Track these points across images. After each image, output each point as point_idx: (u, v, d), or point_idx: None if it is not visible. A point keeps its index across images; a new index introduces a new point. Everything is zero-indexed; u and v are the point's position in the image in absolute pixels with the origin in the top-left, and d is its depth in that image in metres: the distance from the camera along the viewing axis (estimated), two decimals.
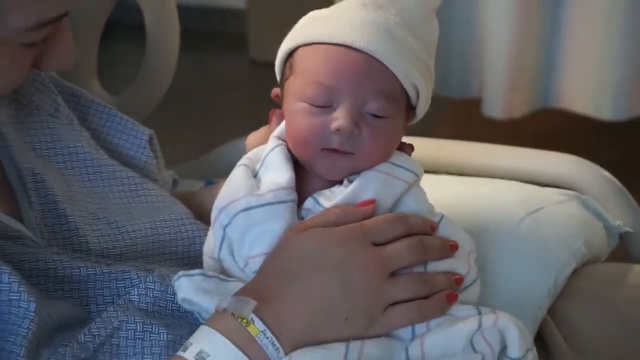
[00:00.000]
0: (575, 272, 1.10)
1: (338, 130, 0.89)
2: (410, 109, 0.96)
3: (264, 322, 0.82)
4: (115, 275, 0.90)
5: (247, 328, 0.82)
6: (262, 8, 2.65)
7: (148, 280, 0.89)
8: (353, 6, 0.95)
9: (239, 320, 0.82)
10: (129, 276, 0.90)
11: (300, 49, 0.94)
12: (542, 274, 1.07)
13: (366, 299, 0.85)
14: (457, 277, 0.91)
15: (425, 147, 1.24)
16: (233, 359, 0.81)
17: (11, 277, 0.81)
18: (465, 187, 1.22)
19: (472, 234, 0.98)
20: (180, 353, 0.82)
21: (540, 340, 1.05)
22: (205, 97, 2.15)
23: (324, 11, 0.96)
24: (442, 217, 0.94)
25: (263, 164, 0.94)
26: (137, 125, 1.09)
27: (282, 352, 0.82)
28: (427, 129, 1.58)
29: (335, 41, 0.91)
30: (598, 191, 1.24)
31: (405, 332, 0.87)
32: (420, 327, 0.87)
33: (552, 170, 1.28)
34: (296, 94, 0.93)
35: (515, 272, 1.06)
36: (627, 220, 1.23)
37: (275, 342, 0.82)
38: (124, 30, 1.42)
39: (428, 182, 1.08)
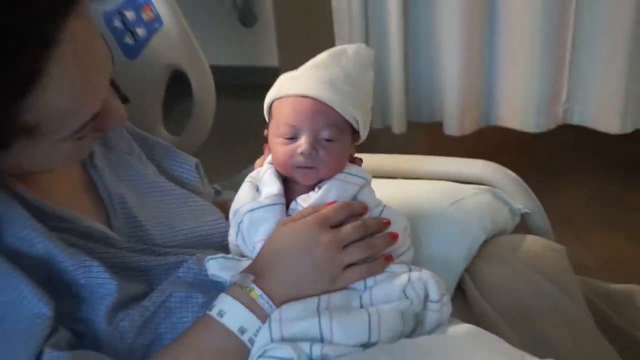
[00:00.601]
0: (486, 241, 1.14)
1: (302, 153, 0.93)
2: (355, 132, 0.99)
3: (261, 289, 0.86)
4: (168, 265, 0.92)
5: (250, 294, 0.86)
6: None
7: (189, 262, 0.92)
8: (309, 68, 0.99)
9: (244, 288, 0.86)
10: (177, 266, 0.92)
11: (275, 102, 0.98)
12: (459, 245, 1.10)
13: (328, 267, 0.88)
14: (392, 233, 0.93)
15: (385, 161, 1.34)
16: (242, 314, 0.85)
17: (99, 267, 0.85)
18: (409, 186, 1.24)
19: (411, 218, 1.01)
20: (207, 312, 0.86)
21: (461, 292, 1.08)
22: (243, 135, 2.17)
23: (290, 73, 0.99)
24: (384, 206, 0.97)
25: (261, 181, 0.97)
26: (187, 156, 1.13)
27: (274, 307, 0.86)
28: (408, 146, 1.58)
29: (295, 93, 0.95)
30: (505, 185, 1.27)
31: (359, 285, 0.90)
32: (369, 281, 0.90)
33: (472, 172, 1.30)
34: (274, 132, 0.97)
35: (441, 244, 1.09)
36: (525, 204, 1.26)
37: (269, 301, 0.86)
38: (182, 88, 1.50)
39: (384, 184, 1.15)
